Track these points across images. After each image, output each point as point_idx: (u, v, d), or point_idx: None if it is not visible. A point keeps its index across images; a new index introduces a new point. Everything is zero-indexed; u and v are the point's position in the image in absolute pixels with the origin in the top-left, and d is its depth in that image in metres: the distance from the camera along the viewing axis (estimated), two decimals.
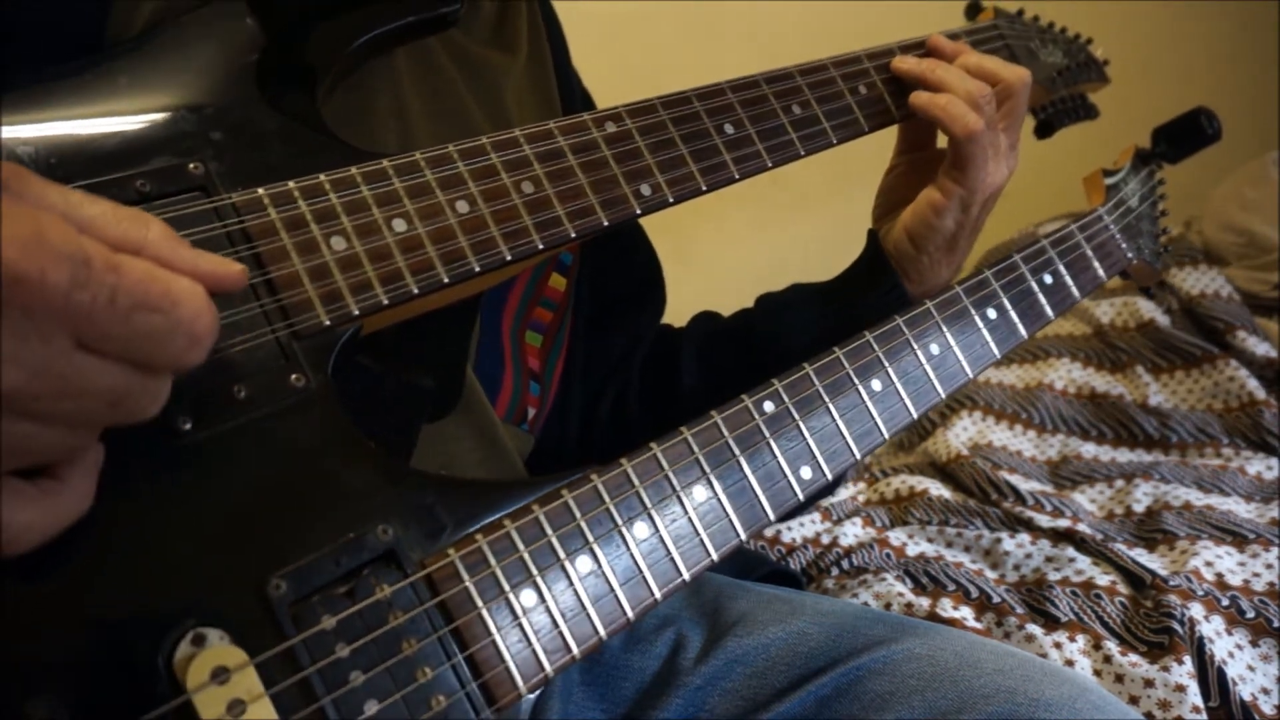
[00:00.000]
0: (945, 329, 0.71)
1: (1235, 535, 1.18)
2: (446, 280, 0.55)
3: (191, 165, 0.51)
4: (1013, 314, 0.75)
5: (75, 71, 0.52)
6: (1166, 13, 2.66)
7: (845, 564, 1.20)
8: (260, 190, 0.52)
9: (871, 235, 0.87)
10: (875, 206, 0.91)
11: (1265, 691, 0.95)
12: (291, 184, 0.52)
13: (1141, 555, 1.17)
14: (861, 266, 0.87)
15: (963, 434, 1.61)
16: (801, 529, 1.31)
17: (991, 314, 0.74)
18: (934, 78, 0.81)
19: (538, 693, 0.49)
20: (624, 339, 0.92)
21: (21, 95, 0.49)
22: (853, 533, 1.29)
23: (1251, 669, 0.98)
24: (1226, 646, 0.99)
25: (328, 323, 0.51)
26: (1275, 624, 1.02)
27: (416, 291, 0.53)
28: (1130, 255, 0.88)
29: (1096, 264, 0.83)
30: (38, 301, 0.35)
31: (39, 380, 0.36)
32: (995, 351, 0.73)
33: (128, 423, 0.41)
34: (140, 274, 0.38)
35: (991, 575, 1.17)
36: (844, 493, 1.48)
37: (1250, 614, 1.03)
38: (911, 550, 1.24)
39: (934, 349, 0.69)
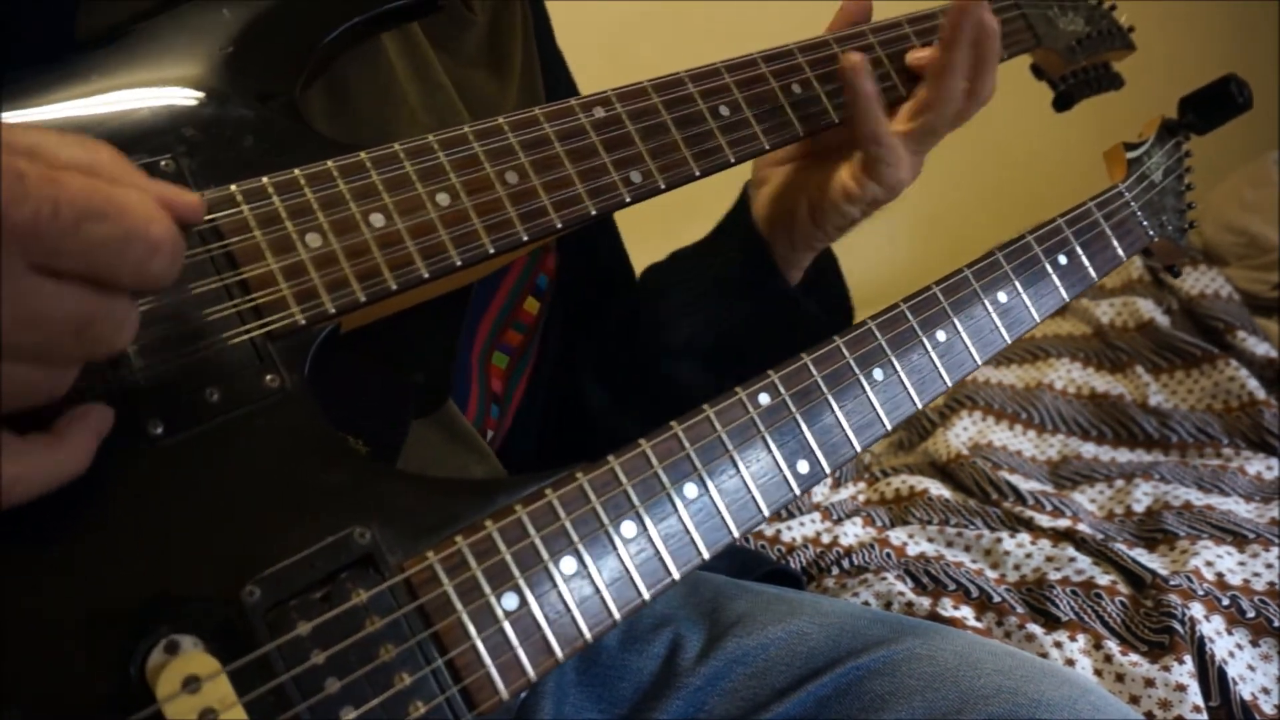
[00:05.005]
0: (952, 314, 0.68)
1: (1235, 535, 1.17)
2: (426, 276, 0.53)
3: (163, 162, 0.50)
4: (1024, 297, 0.71)
5: (46, 70, 0.51)
6: (1166, 13, 2.65)
7: (845, 563, 1.19)
8: (233, 186, 0.50)
9: (743, 204, 0.83)
10: (767, 203, 0.83)
11: (1265, 691, 0.95)
12: (265, 179, 0.51)
13: (1141, 555, 1.16)
14: (734, 238, 0.82)
15: (963, 434, 1.60)
16: (801, 528, 1.30)
17: (1002, 298, 0.70)
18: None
19: (521, 695, 0.48)
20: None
21: None
22: (853, 532, 1.29)
23: (1252, 668, 0.97)
24: (1227, 646, 0.99)
25: (303, 322, 0.49)
26: (1275, 624, 1.01)
27: (395, 288, 0.52)
28: (1152, 233, 0.84)
29: (1116, 243, 0.79)
30: None
31: None
32: (1005, 337, 0.70)
33: (98, 355, 0.40)
34: (81, 184, 0.37)
35: (992, 575, 1.16)
36: (844, 492, 1.47)
37: (1250, 614, 1.02)
38: (912, 550, 1.23)
39: (940, 335, 0.67)
